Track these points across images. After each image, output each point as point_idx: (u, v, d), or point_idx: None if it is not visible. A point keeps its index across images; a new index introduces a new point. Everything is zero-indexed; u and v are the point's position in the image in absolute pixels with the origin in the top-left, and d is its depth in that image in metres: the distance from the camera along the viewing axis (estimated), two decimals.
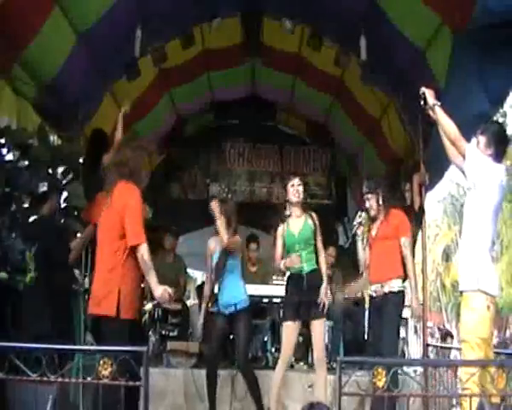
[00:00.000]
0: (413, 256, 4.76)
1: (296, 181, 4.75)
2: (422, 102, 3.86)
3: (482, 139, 3.70)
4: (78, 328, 4.90)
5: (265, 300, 5.99)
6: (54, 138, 5.36)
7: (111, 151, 5.16)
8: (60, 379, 2.56)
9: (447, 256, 25.81)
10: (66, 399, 4.07)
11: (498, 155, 3.67)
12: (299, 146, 9.68)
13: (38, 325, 4.38)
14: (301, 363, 5.68)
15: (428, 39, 5.06)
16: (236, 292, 4.96)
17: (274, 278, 6.33)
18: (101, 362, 2.47)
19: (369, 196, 4.79)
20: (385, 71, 5.75)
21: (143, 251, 3.46)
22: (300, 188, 4.73)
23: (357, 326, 6.45)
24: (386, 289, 4.55)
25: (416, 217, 5.90)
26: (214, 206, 4.89)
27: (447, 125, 3.69)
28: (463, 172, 3.68)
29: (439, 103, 3.77)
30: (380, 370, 2.54)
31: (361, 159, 8.21)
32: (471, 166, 3.58)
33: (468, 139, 5.36)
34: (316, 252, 4.71)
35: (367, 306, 6.90)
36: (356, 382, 4.01)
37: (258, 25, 6.76)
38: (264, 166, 9.71)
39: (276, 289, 5.83)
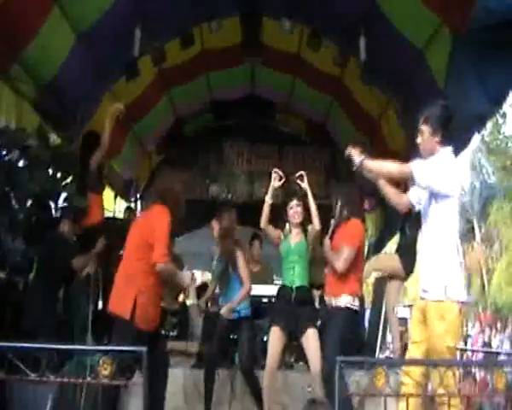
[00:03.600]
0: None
1: (294, 203, 4.78)
2: (353, 167, 3.63)
3: (426, 129, 3.35)
4: (77, 327, 4.90)
5: (265, 300, 5.98)
6: (53, 138, 5.36)
7: (98, 152, 5.27)
8: (59, 379, 2.56)
9: None
10: (65, 398, 4.07)
11: (447, 137, 3.39)
12: (298, 146, 9.69)
13: (37, 320, 4.41)
14: (301, 363, 5.67)
15: (428, 39, 5.05)
16: (234, 296, 4.94)
17: (275, 278, 6.32)
18: (101, 362, 2.47)
19: (333, 202, 4.67)
20: (384, 71, 5.75)
21: (165, 267, 3.74)
22: (299, 209, 4.77)
23: (357, 327, 6.43)
24: (334, 304, 4.39)
25: (416, 218, 5.90)
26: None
27: (383, 168, 3.45)
28: (422, 199, 3.41)
29: (363, 157, 3.48)
30: (380, 370, 2.54)
31: None
32: (426, 180, 3.26)
33: (468, 138, 5.40)
34: (309, 271, 4.76)
35: (366, 305, 6.92)
36: (355, 382, 4.03)
37: (257, 25, 6.76)
38: (264, 167, 9.70)
39: (276, 289, 5.82)
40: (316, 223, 4.67)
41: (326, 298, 4.57)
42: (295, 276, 4.70)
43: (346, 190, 4.75)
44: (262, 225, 4.83)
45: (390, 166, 3.43)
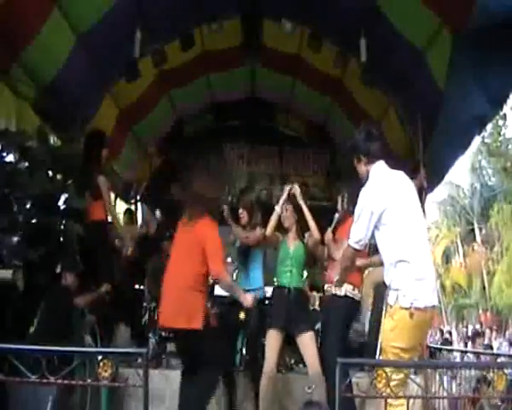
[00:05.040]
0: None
1: (290, 208, 4.88)
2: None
3: (355, 162, 3.58)
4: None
5: (265, 301, 5.98)
6: (54, 139, 5.37)
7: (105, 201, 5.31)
8: (59, 381, 2.55)
9: (447, 258, 25.89)
10: (67, 400, 4.07)
11: (374, 155, 3.49)
12: (298, 147, 9.67)
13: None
14: (301, 365, 5.67)
15: (428, 40, 5.06)
16: (255, 277, 5.10)
17: (275, 279, 6.31)
18: (101, 364, 2.47)
19: (339, 197, 4.84)
20: (385, 72, 5.75)
21: (226, 280, 4.07)
22: (287, 213, 4.86)
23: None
24: (333, 291, 4.48)
25: None
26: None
27: (346, 263, 3.69)
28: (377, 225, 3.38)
29: (336, 279, 3.95)
30: (380, 371, 2.54)
31: None
32: (366, 233, 3.36)
33: (469, 140, 5.40)
34: (303, 273, 4.89)
35: (367, 306, 6.91)
36: (356, 383, 4.02)
37: (258, 26, 6.76)
38: (264, 168, 9.70)
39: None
40: (315, 234, 4.70)
41: (327, 286, 4.63)
42: (292, 278, 4.76)
43: (352, 186, 4.80)
44: (268, 233, 4.88)
45: (346, 261, 3.67)
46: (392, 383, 2.75)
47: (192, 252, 3.98)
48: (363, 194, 3.40)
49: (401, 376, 2.96)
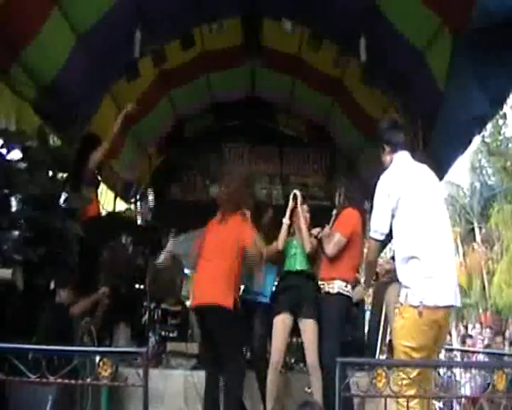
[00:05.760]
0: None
1: (305, 209, 4.90)
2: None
3: (381, 153, 3.61)
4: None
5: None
6: (54, 139, 5.37)
7: (101, 148, 5.40)
8: (59, 380, 2.55)
9: None
10: (67, 400, 4.07)
11: (397, 144, 3.52)
12: (298, 147, 9.66)
13: None
14: (301, 364, 5.67)
15: (428, 40, 5.05)
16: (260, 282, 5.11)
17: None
18: (101, 363, 2.47)
19: (336, 193, 4.83)
20: (385, 72, 5.75)
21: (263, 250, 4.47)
22: (308, 215, 4.89)
23: (357, 327, 6.44)
24: (326, 289, 4.48)
25: None
26: None
27: (369, 257, 3.62)
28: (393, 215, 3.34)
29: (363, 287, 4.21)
30: (380, 371, 2.54)
31: (361, 160, 8.21)
32: (386, 222, 3.32)
33: (469, 140, 5.39)
34: (311, 262, 4.84)
35: (366, 307, 6.92)
36: (356, 383, 4.02)
37: (258, 26, 6.77)
38: (264, 168, 9.70)
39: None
40: (306, 246, 4.72)
41: (320, 283, 4.61)
42: (297, 262, 4.80)
43: (347, 181, 4.83)
44: (280, 247, 4.85)
45: (369, 254, 3.62)
46: (403, 382, 2.75)
47: (227, 250, 4.33)
48: (381, 180, 3.37)
49: (414, 375, 2.92)
